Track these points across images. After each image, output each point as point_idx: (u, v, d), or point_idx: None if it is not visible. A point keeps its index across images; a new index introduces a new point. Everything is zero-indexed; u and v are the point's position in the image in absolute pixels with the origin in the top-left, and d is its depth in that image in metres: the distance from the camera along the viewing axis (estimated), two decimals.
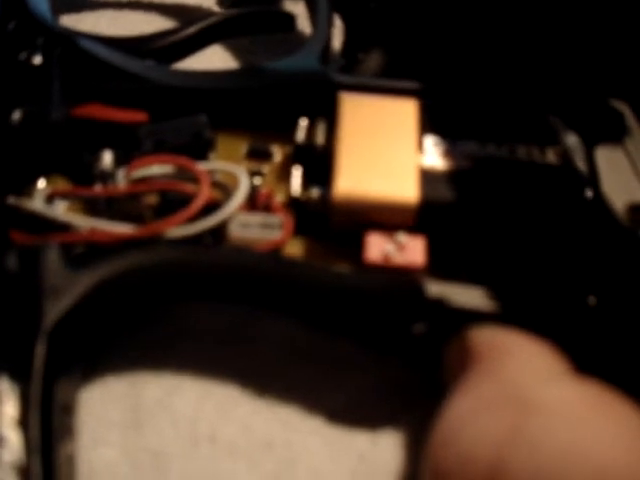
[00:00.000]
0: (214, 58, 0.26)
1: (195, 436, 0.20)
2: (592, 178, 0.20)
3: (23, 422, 0.16)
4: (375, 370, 0.20)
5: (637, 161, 0.21)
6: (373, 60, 0.24)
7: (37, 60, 0.22)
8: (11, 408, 0.17)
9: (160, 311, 0.21)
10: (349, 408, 0.20)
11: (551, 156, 0.21)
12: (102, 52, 0.22)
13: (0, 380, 0.17)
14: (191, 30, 0.24)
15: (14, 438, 0.16)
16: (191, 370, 0.20)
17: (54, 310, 0.18)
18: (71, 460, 0.18)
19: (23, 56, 0.22)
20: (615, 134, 0.21)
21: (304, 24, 0.27)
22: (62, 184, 0.21)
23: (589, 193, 0.20)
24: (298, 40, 0.26)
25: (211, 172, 0.20)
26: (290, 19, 0.25)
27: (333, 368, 0.20)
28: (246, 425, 0.20)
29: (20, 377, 0.17)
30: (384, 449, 0.19)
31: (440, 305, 0.18)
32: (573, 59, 0.22)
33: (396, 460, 0.19)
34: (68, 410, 0.19)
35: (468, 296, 0.18)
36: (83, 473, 0.19)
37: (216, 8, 0.30)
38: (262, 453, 0.19)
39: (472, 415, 0.17)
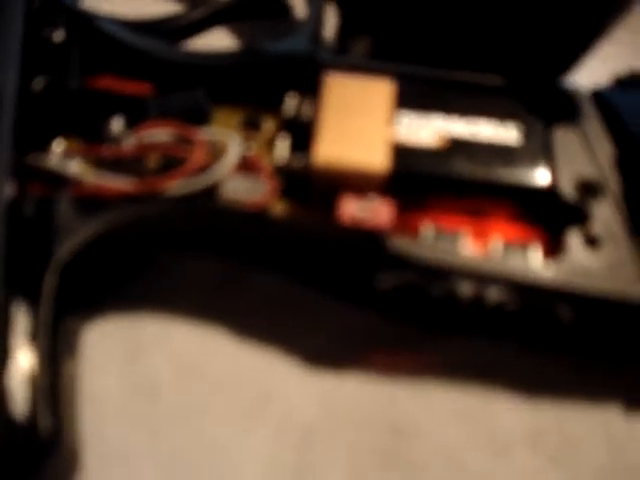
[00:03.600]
0: (217, 40, 0.28)
1: (185, 369, 0.22)
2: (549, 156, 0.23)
3: (34, 338, 0.19)
4: (346, 317, 0.23)
5: (591, 141, 0.23)
6: (360, 46, 0.26)
7: (58, 36, 0.24)
8: (24, 326, 0.19)
9: (159, 261, 0.23)
10: (321, 350, 0.22)
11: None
12: (115, 31, 0.24)
13: (15, 303, 0.19)
14: (196, 14, 0.27)
15: (25, 352, 0.19)
16: (184, 313, 0.23)
17: (64, 249, 0.20)
18: (73, 377, 0.20)
19: (46, 32, 0.24)
20: (571, 116, 0.24)
21: (302, 11, 0.30)
22: (77, 144, 0.23)
23: None
24: (294, 25, 0.29)
25: (206, 138, 0.23)
26: (284, 7, 0.28)
27: (309, 315, 0.23)
28: (230, 362, 0.22)
29: (34, 301, 0.19)
30: (350, 387, 0.22)
31: (401, 259, 0.21)
32: (536, 47, 0.25)
33: (360, 397, 0.22)
34: (73, 335, 0.21)
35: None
36: (85, 396, 0.21)
37: None
38: (243, 387, 0.22)
39: None
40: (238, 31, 0.29)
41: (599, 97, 0.24)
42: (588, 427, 0.21)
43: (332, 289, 0.23)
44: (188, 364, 0.22)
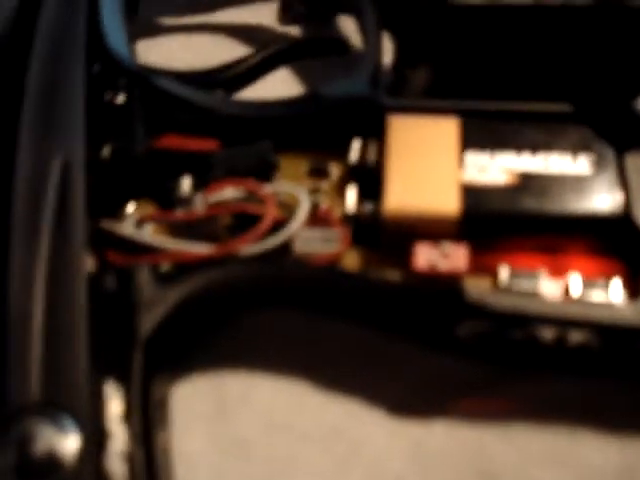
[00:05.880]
0: (277, 82, 0.28)
1: (272, 425, 0.22)
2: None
3: (127, 417, 0.19)
4: (427, 364, 0.23)
5: None
6: (420, 77, 0.26)
7: (120, 99, 0.25)
8: (116, 406, 0.20)
9: (237, 318, 0.24)
10: (406, 399, 0.22)
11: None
12: (175, 88, 0.25)
13: (106, 383, 0.20)
14: (254, 60, 0.27)
15: (120, 431, 0.19)
16: (266, 368, 0.23)
17: (147, 323, 0.21)
18: (167, 448, 0.21)
19: (108, 96, 0.25)
20: None
21: (357, 38, 0.30)
22: (148, 207, 0.24)
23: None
24: (351, 59, 0.28)
25: (276, 193, 0.23)
26: (342, 44, 0.28)
27: (390, 364, 0.23)
28: (316, 415, 0.22)
29: (122, 380, 0.20)
30: (438, 435, 0.22)
31: (480, 308, 0.21)
32: (606, 73, 0.24)
33: (449, 444, 0.22)
34: (162, 405, 0.22)
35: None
36: (177, 460, 0.22)
37: (275, 24, 0.33)
38: (332, 439, 0.22)
39: None
40: (296, 72, 0.29)
41: None
42: None
43: (410, 336, 0.23)
44: (274, 419, 0.23)
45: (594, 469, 0.21)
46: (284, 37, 0.32)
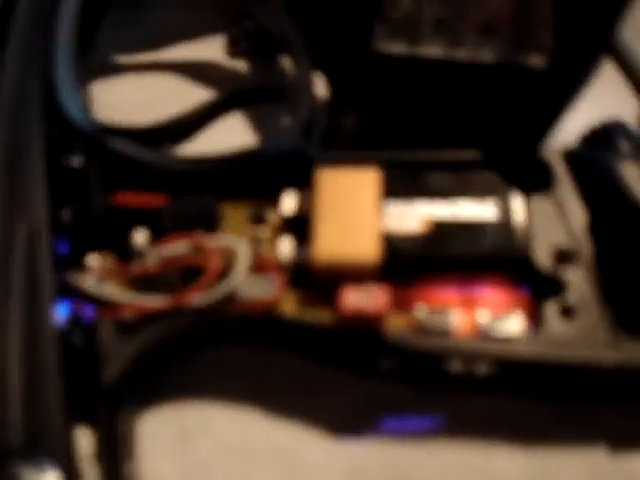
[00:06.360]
0: (220, 128, 0.31)
1: (228, 448, 0.26)
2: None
3: (97, 455, 0.22)
4: (362, 389, 0.26)
5: (564, 206, 0.26)
6: (349, 121, 0.29)
7: (76, 162, 0.27)
8: (86, 443, 0.23)
9: (193, 357, 0.27)
10: (342, 421, 0.26)
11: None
12: (127, 149, 0.27)
13: (77, 423, 0.23)
14: (198, 113, 0.29)
15: (91, 468, 0.22)
16: (222, 398, 0.26)
17: (109, 375, 0.24)
18: (134, 478, 0.24)
19: (65, 160, 0.27)
20: (546, 183, 0.26)
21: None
22: (108, 258, 0.27)
23: None
24: (289, 101, 0.31)
25: (219, 245, 0.26)
26: (279, 92, 0.30)
27: (328, 390, 0.26)
28: (266, 438, 0.26)
29: (91, 422, 0.23)
30: (371, 452, 0.25)
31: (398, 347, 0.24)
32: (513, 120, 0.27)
33: (382, 460, 0.25)
34: (128, 439, 0.25)
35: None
36: None
37: (223, 58, 0.35)
38: (278, 458, 0.25)
39: None
40: (240, 117, 0.31)
41: (571, 157, 0.26)
42: (576, 469, 0.24)
43: (342, 367, 0.26)
44: (229, 443, 0.26)
45: (503, 477, 0.25)
46: (231, 73, 0.34)
